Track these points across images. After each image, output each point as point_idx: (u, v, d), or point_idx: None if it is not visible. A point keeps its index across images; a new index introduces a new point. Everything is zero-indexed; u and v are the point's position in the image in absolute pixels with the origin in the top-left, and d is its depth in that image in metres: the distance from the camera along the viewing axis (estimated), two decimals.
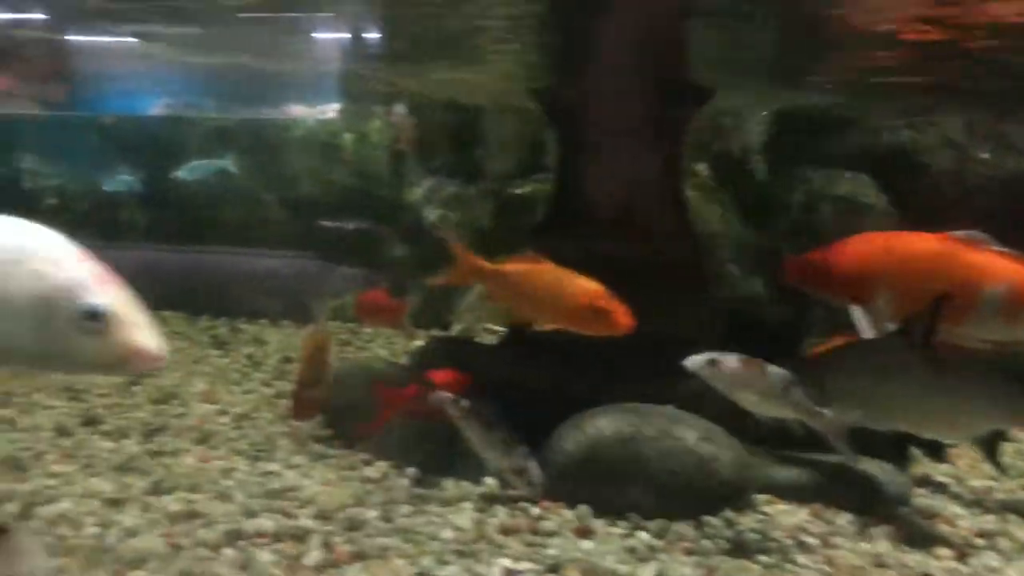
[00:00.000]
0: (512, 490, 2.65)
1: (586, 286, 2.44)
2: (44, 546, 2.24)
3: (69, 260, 1.32)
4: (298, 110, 6.19)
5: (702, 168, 4.99)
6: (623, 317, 2.38)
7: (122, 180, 6.25)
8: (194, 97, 6.50)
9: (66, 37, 4.78)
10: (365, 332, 5.02)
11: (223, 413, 3.46)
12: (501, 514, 2.57)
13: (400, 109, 5.69)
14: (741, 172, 5.03)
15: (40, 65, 4.91)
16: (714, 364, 2.27)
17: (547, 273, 2.53)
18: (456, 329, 4.93)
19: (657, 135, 3.11)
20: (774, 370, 2.27)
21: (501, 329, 4.98)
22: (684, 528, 2.50)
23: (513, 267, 2.60)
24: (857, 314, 2.66)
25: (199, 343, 4.71)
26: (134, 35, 4.73)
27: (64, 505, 2.49)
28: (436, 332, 4.87)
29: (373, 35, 4.73)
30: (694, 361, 2.28)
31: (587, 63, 3.13)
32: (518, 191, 5.25)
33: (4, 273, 1.29)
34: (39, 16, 4.36)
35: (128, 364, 1.32)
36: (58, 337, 1.28)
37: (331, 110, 5.98)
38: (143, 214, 5.73)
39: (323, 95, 6.02)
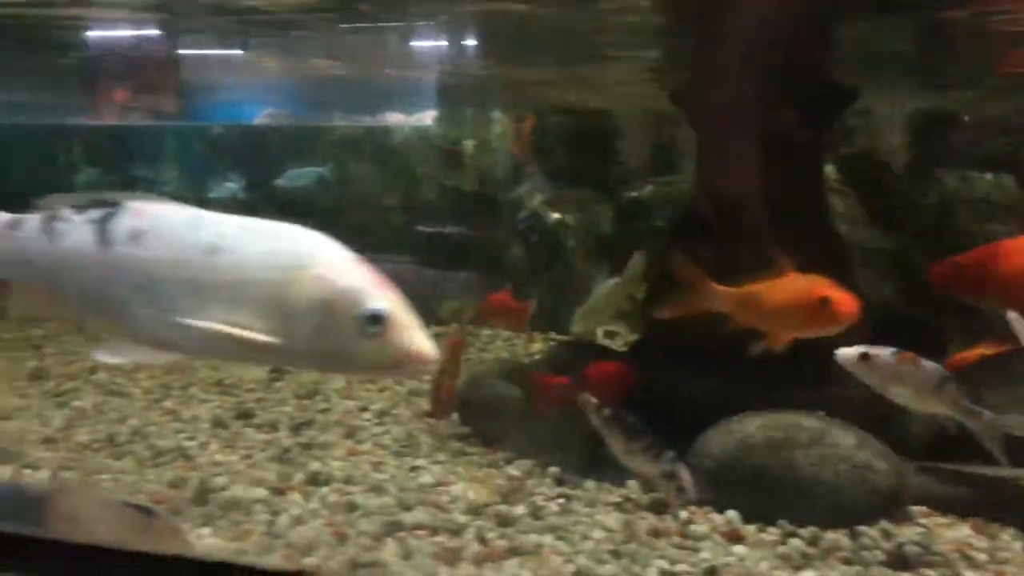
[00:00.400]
0: (661, 495, 2.64)
1: (813, 282, 2.27)
2: (188, 527, 2.40)
3: (349, 266, 1.39)
4: (395, 118, 6.32)
5: (829, 170, 4.86)
6: (848, 305, 2.19)
7: (228, 187, 6.52)
8: (296, 106, 6.73)
9: (178, 51, 5.05)
10: (484, 334, 5.11)
11: (363, 409, 3.59)
12: (648, 516, 2.59)
13: (498, 115, 5.75)
14: (870, 174, 4.88)
15: (154, 78, 5.18)
16: (867, 358, 2.21)
17: (780, 284, 2.34)
18: (574, 332, 4.95)
19: (801, 137, 3.06)
20: (929, 365, 2.21)
21: (617, 331, 5.01)
22: (838, 537, 2.44)
23: (752, 287, 2.40)
24: (1016, 319, 2.55)
25: None
26: (241, 47, 4.99)
27: (234, 492, 2.65)
28: (553, 335, 4.92)
29: (478, 42, 4.82)
30: (845, 354, 2.23)
31: (729, 65, 3.10)
32: (637, 194, 5.23)
33: (289, 278, 1.36)
34: (154, 32, 4.63)
35: (403, 366, 1.37)
36: (339, 340, 1.34)
37: (428, 117, 6.09)
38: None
39: (422, 102, 6.12)
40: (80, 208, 1.50)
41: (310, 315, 1.34)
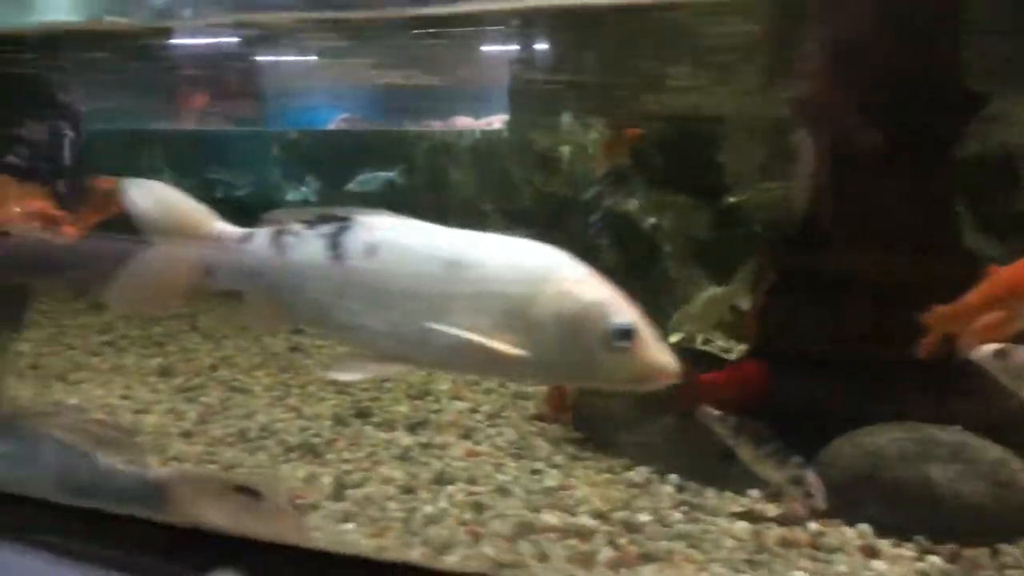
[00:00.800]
0: (791, 503, 2.62)
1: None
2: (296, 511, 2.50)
3: (593, 279, 1.40)
4: (463, 121, 6.36)
5: None
6: None
7: (303, 191, 6.65)
8: (369, 111, 6.83)
9: (255, 58, 5.20)
10: None
11: (474, 411, 3.65)
12: (774, 527, 2.57)
13: (567, 119, 5.75)
14: (984, 180, 4.73)
15: (231, 84, 5.33)
16: (1004, 355, 2.15)
17: (989, 286, 2.27)
18: (674, 338, 4.93)
19: (931, 144, 3.00)
20: None
21: (713, 340, 4.97)
22: (978, 555, 2.39)
23: (977, 300, 2.30)
24: None
25: None
26: (317, 54, 5.10)
27: (368, 490, 2.73)
28: None
29: (562, 47, 4.83)
30: (980, 352, 2.18)
31: (851, 71, 3.07)
32: (736, 200, 5.19)
33: (533, 291, 1.37)
34: (232, 39, 4.77)
35: (647, 380, 1.38)
36: (584, 354, 1.35)
37: (497, 120, 6.11)
38: None
39: (490, 107, 6.14)
40: (309, 222, 1.54)
41: (555, 328, 1.35)
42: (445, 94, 6.26)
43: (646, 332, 1.36)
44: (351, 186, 6.28)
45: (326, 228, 1.52)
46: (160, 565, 1.67)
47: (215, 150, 7.00)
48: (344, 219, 1.51)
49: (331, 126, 6.75)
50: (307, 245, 1.53)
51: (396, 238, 1.49)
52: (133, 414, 3.38)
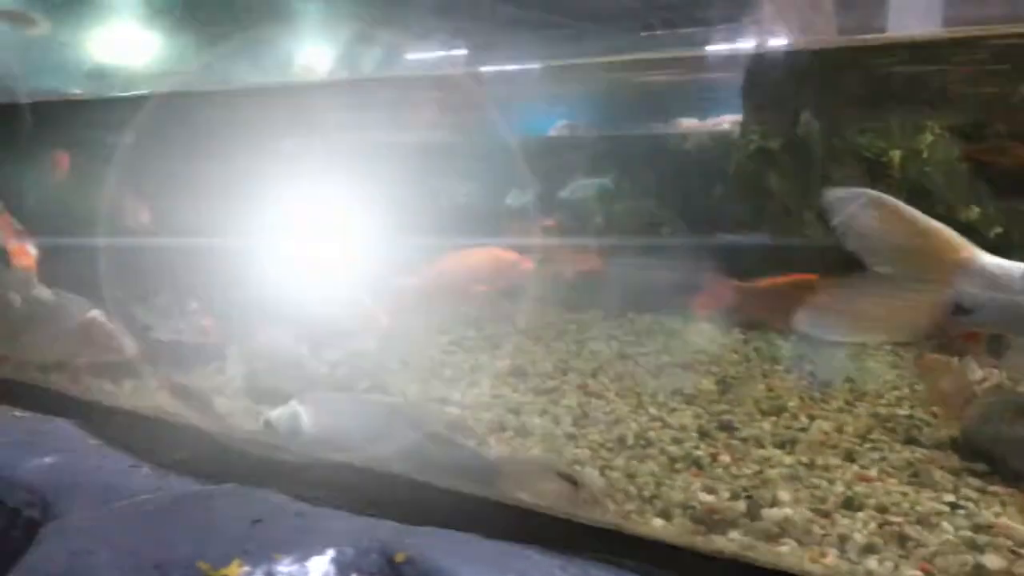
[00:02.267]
0: None
1: None
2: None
3: None
4: (688, 123, 6.08)
5: None
6: None
7: (519, 198, 6.66)
8: (589, 115, 6.72)
9: (480, 68, 5.25)
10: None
11: (839, 431, 3.48)
12: None
13: (807, 118, 5.33)
14: None
15: (455, 95, 5.43)
16: None
17: None
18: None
19: None
20: None
21: None
22: None
23: None
24: None
25: (749, 358, 4.81)
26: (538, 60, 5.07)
27: (785, 511, 2.66)
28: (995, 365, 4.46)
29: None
30: None
31: None
32: None
33: None
34: (459, 52, 4.84)
35: None
36: None
37: (725, 122, 5.78)
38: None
39: (717, 107, 5.81)
40: None
41: None
42: (667, 96, 6.08)
43: None
44: (564, 194, 6.30)
45: None
46: None
47: (438, 161, 7.29)
48: None
49: (552, 132, 6.81)
50: None
51: None
52: (514, 415, 3.54)
